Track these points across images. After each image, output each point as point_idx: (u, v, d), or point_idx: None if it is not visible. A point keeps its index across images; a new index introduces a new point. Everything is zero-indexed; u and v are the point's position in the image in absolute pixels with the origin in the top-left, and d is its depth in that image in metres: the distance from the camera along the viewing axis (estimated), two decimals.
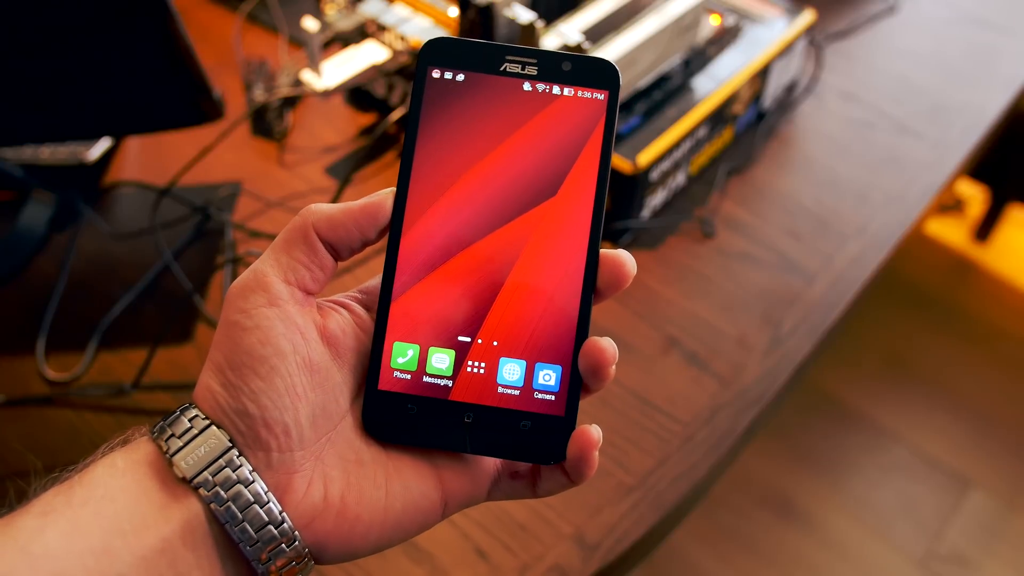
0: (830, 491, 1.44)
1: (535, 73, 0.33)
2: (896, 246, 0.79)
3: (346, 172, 0.79)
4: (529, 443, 0.32)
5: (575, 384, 0.33)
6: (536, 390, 0.33)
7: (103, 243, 0.74)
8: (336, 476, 0.31)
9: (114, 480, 0.29)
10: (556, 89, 0.33)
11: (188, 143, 0.79)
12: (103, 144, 0.81)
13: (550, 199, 0.33)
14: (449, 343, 0.33)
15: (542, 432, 0.32)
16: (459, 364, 0.33)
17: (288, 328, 0.31)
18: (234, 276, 0.72)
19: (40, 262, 0.73)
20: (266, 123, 0.84)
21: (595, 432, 0.32)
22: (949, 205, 1.86)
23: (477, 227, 0.33)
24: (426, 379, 0.33)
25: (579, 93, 0.33)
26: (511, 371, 0.33)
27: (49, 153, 0.80)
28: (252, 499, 0.30)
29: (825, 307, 0.73)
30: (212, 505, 0.29)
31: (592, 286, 0.33)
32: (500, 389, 0.33)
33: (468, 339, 0.33)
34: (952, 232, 1.86)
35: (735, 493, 1.41)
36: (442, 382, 0.33)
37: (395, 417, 0.32)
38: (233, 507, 0.29)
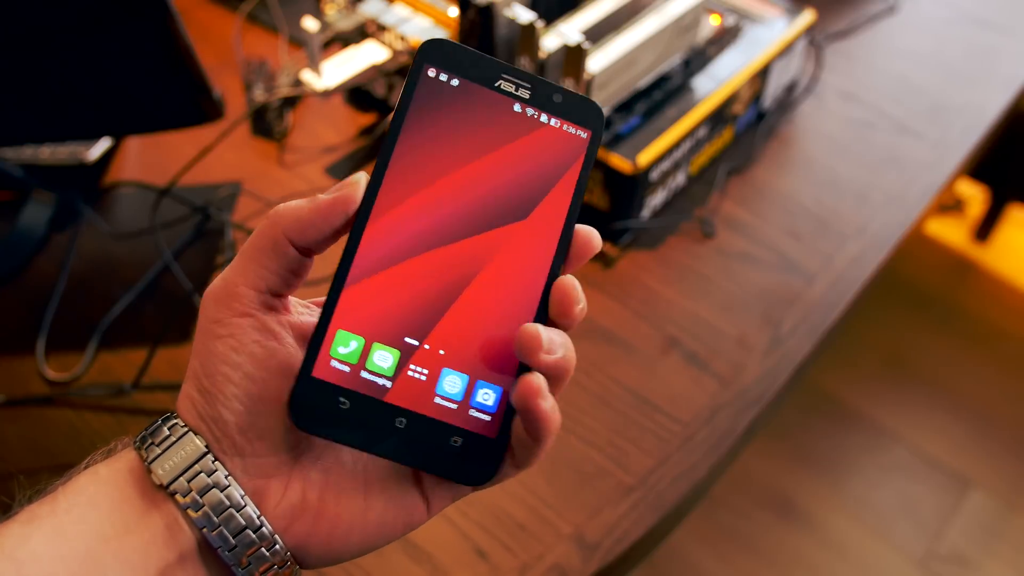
0: (830, 491, 1.44)
1: (527, 97, 0.33)
2: (896, 246, 0.79)
3: (346, 172, 0.79)
4: (456, 460, 0.31)
5: (511, 409, 0.32)
6: (472, 407, 0.32)
7: (103, 243, 0.74)
8: (314, 479, 0.31)
9: (96, 488, 0.30)
10: (544, 117, 0.33)
11: (188, 143, 0.79)
12: (103, 144, 0.81)
13: (520, 221, 0.33)
14: (395, 342, 0.31)
15: (471, 451, 0.31)
16: (401, 366, 0.31)
17: (262, 335, 0.31)
18: None
19: (40, 262, 0.73)
20: (266, 123, 0.84)
21: (536, 379, 0.29)
22: (949, 205, 1.86)
23: (444, 232, 0.32)
24: (364, 375, 0.31)
25: (564, 127, 0.34)
26: (452, 383, 0.32)
27: (49, 153, 0.80)
28: (228, 504, 0.30)
29: (825, 307, 0.73)
30: (188, 511, 0.30)
31: (545, 317, 0.32)
32: (437, 399, 0.31)
33: (415, 342, 0.32)
34: (952, 232, 1.86)
35: (735, 493, 1.41)
36: (380, 381, 0.31)
37: (324, 409, 0.31)
38: (210, 512, 0.30)
